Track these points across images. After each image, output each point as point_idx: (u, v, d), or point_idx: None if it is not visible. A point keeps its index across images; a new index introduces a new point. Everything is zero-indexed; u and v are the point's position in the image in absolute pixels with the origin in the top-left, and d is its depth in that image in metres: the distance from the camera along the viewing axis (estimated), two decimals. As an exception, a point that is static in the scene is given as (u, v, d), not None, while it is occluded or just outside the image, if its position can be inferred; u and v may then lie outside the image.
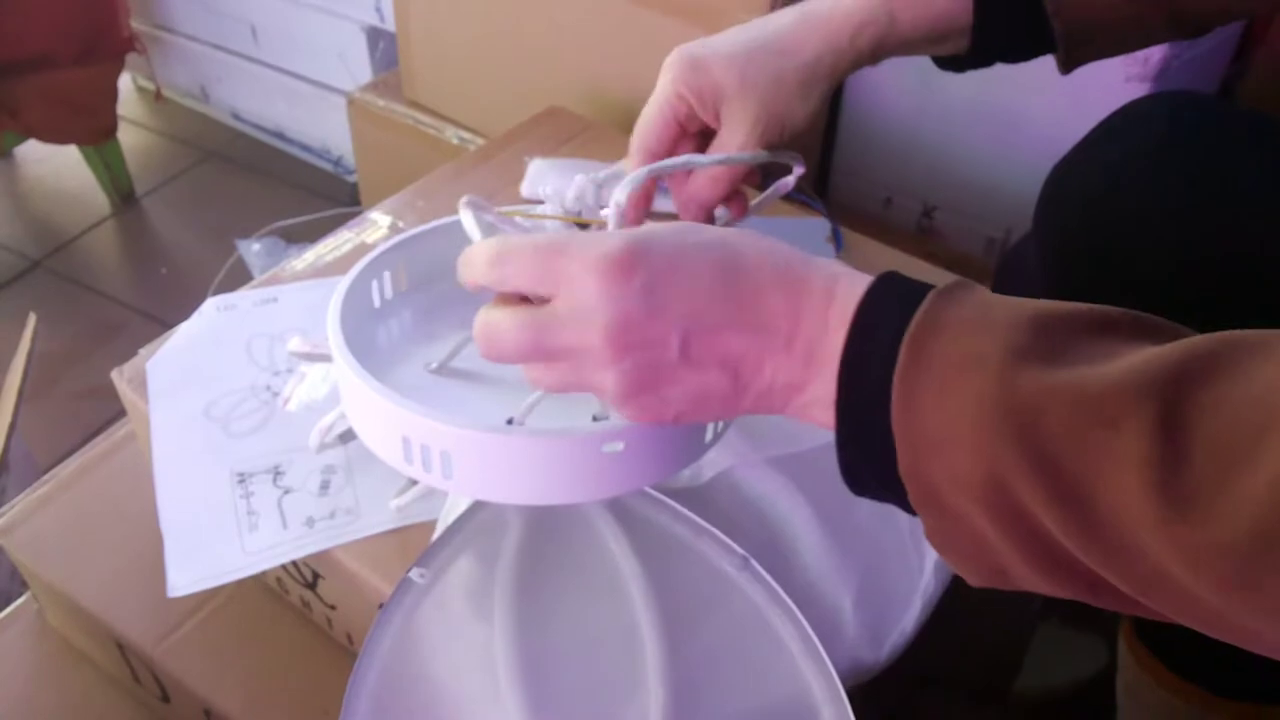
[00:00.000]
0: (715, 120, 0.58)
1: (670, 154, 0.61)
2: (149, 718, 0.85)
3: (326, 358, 0.62)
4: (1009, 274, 0.77)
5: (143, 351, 0.81)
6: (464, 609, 0.61)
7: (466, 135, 1.27)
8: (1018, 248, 0.78)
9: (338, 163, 1.73)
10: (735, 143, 0.57)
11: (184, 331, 0.81)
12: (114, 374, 0.80)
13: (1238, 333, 0.35)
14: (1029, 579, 0.39)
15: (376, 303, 0.67)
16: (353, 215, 1.62)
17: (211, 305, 0.83)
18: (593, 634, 0.60)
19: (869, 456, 0.41)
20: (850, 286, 0.42)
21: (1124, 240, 0.57)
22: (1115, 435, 0.34)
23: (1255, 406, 0.32)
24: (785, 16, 0.58)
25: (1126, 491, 0.34)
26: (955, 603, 0.68)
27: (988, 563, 0.40)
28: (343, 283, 0.64)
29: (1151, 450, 0.33)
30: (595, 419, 0.59)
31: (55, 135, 1.65)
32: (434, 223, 0.69)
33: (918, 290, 0.40)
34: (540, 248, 0.45)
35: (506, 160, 1.00)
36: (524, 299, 0.47)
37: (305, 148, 1.78)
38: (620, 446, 0.54)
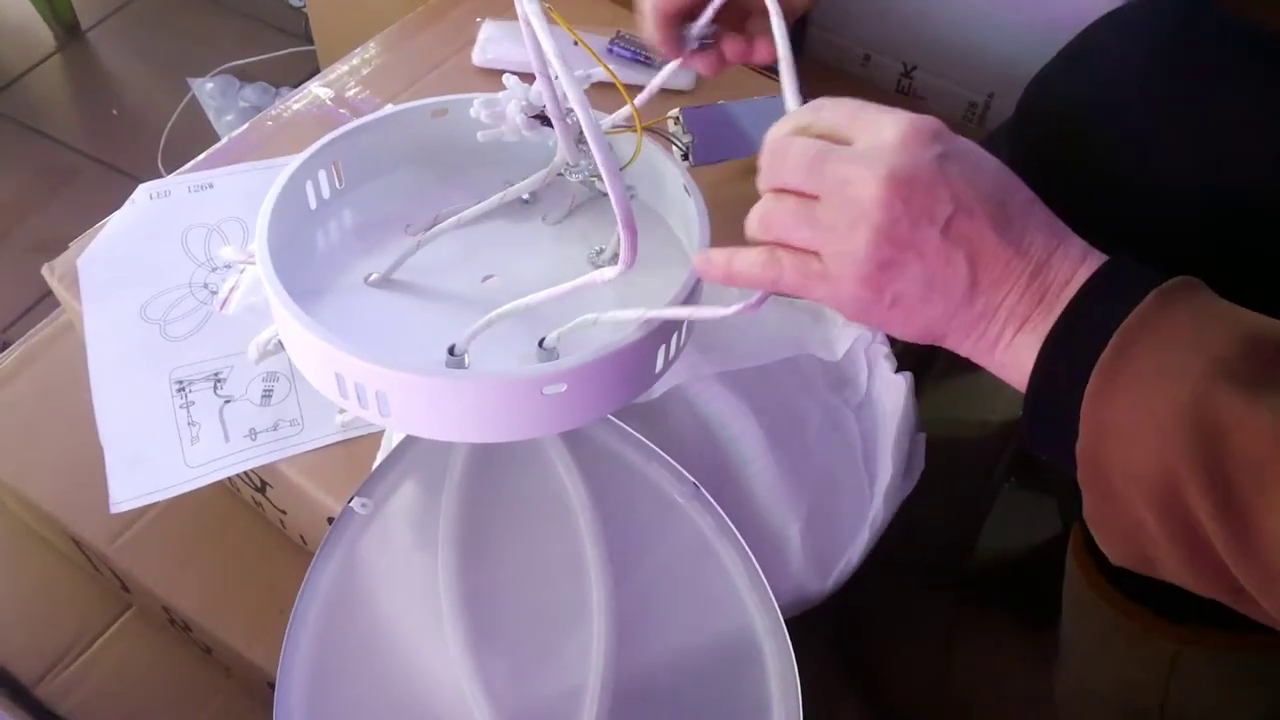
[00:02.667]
0: None
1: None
2: (114, 602, 0.85)
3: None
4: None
5: (73, 245, 0.77)
6: (407, 538, 0.60)
7: (421, -24, 1.18)
8: (992, 138, 0.74)
9: (290, -8, 1.63)
10: None
11: (116, 222, 0.78)
12: (44, 270, 0.77)
13: None
14: (1176, 572, 0.41)
15: (313, 204, 0.64)
16: (305, 54, 1.55)
17: (144, 192, 0.79)
18: (538, 563, 0.60)
19: (1054, 425, 0.42)
20: (1099, 259, 0.43)
21: (1103, 165, 0.54)
22: None
23: None
24: None
25: None
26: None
27: (1138, 549, 0.42)
28: (272, 190, 0.60)
29: None
30: (542, 345, 0.57)
31: (-14, -35, 1.54)
32: (368, 117, 0.65)
33: (1148, 280, 0.41)
34: (858, 102, 0.46)
35: (458, 20, 0.94)
36: None
37: (255, -26, 1.68)
38: (563, 388, 0.52)
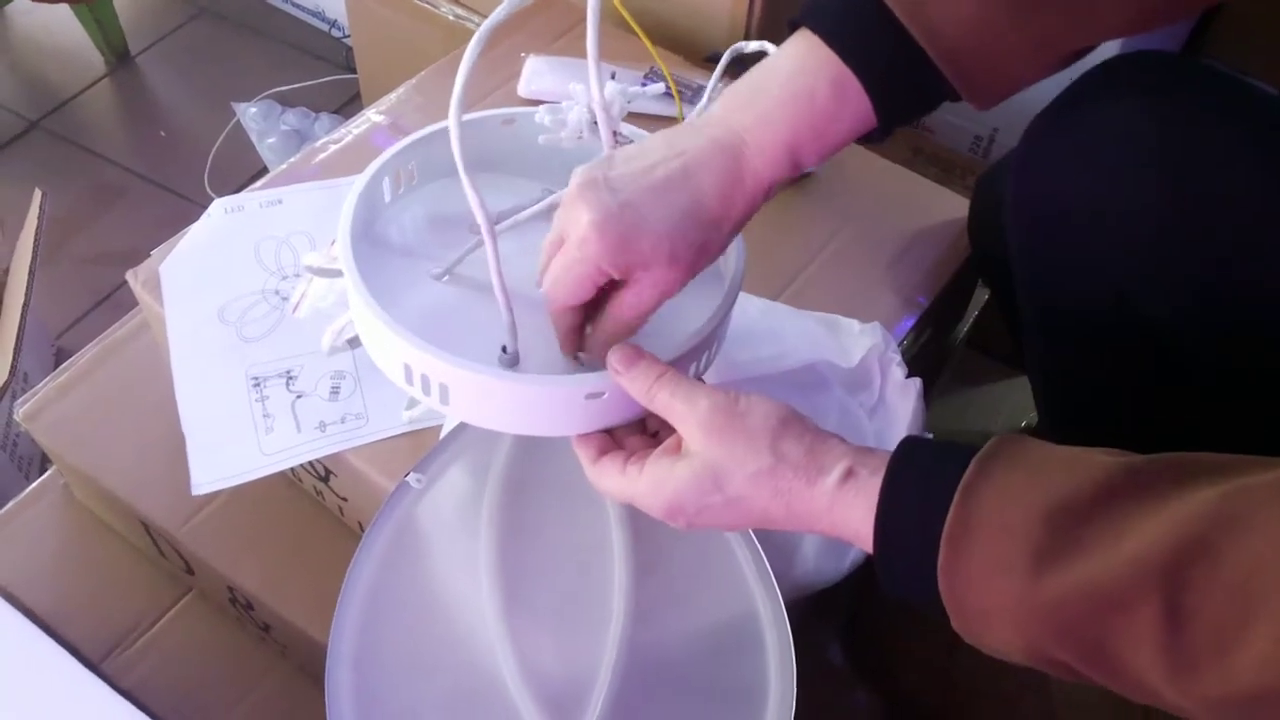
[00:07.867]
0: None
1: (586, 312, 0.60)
2: (174, 585, 0.92)
3: (339, 273, 0.65)
4: (983, 207, 0.80)
5: (155, 253, 0.84)
6: (455, 514, 0.66)
7: (462, 12, 1.26)
8: (991, 174, 0.80)
9: (334, 25, 1.72)
10: (644, 304, 0.56)
11: (194, 233, 0.85)
12: (129, 275, 0.84)
13: (1225, 505, 0.41)
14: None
15: (387, 198, 0.70)
16: (344, 81, 1.63)
17: (219, 207, 0.86)
18: (569, 546, 0.66)
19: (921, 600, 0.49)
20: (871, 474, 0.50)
21: (1095, 233, 0.60)
22: (1129, 619, 0.41)
23: (1241, 591, 0.39)
24: (704, 177, 0.55)
25: (1145, 660, 0.42)
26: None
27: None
28: (354, 188, 0.65)
29: (1160, 632, 0.41)
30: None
31: (45, -8, 1.63)
32: (444, 122, 0.71)
33: (937, 475, 0.47)
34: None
35: (503, 54, 1.01)
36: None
37: (298, 6, 1.76)
38: (604, 394, 0.58)
